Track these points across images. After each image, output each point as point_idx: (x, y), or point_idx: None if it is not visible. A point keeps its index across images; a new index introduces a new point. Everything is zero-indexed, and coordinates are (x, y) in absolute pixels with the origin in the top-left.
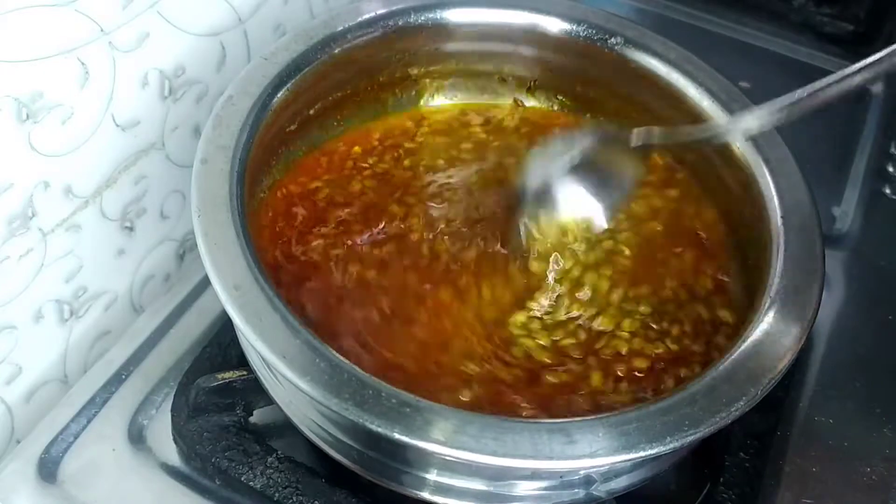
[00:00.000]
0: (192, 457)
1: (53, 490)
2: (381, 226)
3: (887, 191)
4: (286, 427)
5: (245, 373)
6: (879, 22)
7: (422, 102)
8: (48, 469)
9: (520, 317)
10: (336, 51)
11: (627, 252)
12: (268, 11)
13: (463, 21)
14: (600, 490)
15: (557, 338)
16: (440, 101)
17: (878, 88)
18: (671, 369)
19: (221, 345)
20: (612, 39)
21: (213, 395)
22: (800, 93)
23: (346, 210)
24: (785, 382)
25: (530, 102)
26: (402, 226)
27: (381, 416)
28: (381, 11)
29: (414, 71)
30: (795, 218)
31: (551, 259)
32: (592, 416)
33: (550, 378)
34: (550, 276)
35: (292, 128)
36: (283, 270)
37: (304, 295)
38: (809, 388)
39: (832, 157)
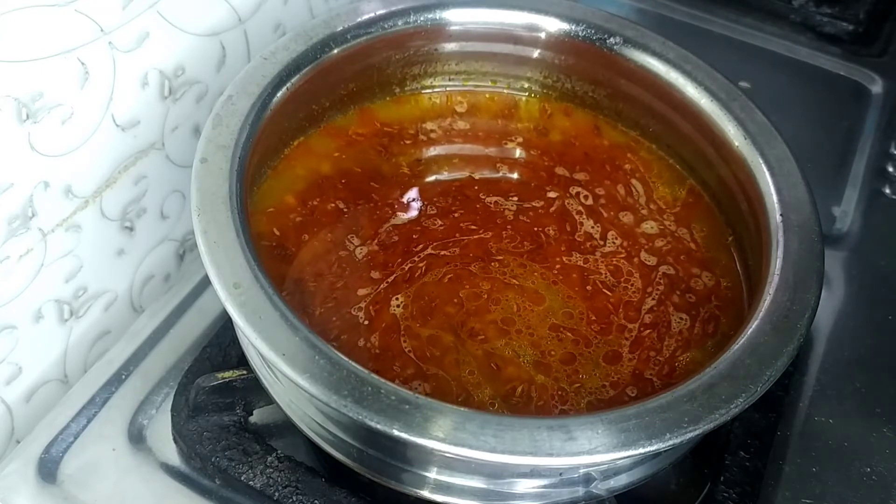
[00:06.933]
0: (192, 457)
1: (53, 490)
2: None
3: (887, 191)
4: (286, 426)
5: (245, 372)
6: (879, 22)
7: (421, 103)
8: (48, 469)
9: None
10: (336, 51)
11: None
12: (268, 11)
13: (462, 21)
14: (600, 488)
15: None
16: (440, 102)
17: (877, 88)
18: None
19: (221, 344)
20: (612, 39)
21: (213, 395)
22: None
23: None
24: (785, 382)
25: (529, 103)
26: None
27: (380, 412)
28: (380, 11)
29: (413, 71)
30: (795, 217)
31: None
32: (592, 413)
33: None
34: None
35: (292, 127)
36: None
37: (304, 292)
38: (809, 388)
39: (832, 157)
